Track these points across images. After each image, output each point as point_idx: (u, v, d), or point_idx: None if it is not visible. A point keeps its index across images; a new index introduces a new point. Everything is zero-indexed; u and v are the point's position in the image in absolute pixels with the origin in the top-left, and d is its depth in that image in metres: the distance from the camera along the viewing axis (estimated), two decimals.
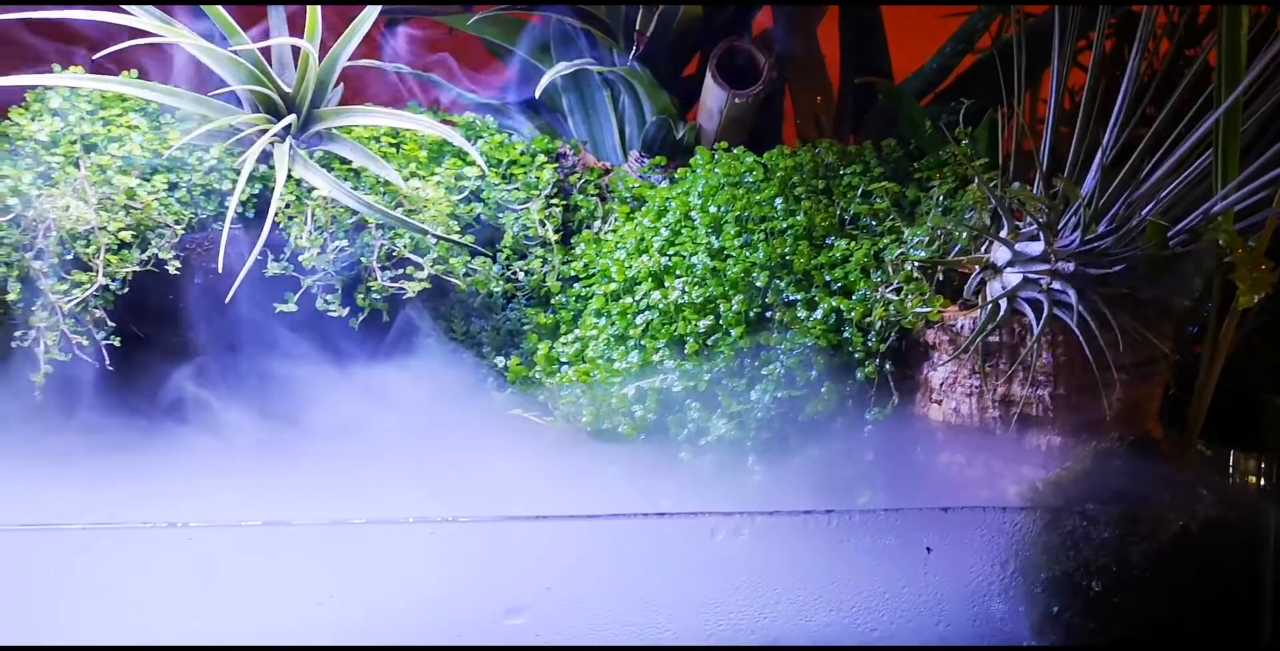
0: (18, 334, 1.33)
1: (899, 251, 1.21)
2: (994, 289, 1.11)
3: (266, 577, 0.90)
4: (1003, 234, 1.10)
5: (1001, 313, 1.08)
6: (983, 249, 1.14)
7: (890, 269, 1.19)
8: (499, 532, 0.95)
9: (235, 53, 1.39)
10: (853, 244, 1.27)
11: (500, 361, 1.46)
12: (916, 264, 1.17)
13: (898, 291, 1.18)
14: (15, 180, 1.36)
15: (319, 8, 1.37)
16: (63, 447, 1.33)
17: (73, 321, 1.34)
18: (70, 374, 1.35)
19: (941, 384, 1.16)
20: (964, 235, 1.16)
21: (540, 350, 1.42)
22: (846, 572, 0.98)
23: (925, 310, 1.14)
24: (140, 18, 1.36)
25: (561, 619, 0.93)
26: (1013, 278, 1.08)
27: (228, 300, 1.34)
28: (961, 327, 1.14)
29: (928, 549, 0.98)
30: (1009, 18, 1.53)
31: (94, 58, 1.28)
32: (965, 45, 1.57)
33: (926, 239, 1.20)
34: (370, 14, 1.40)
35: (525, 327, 1.49)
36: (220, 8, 1.37)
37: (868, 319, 1.20)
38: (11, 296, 1.34)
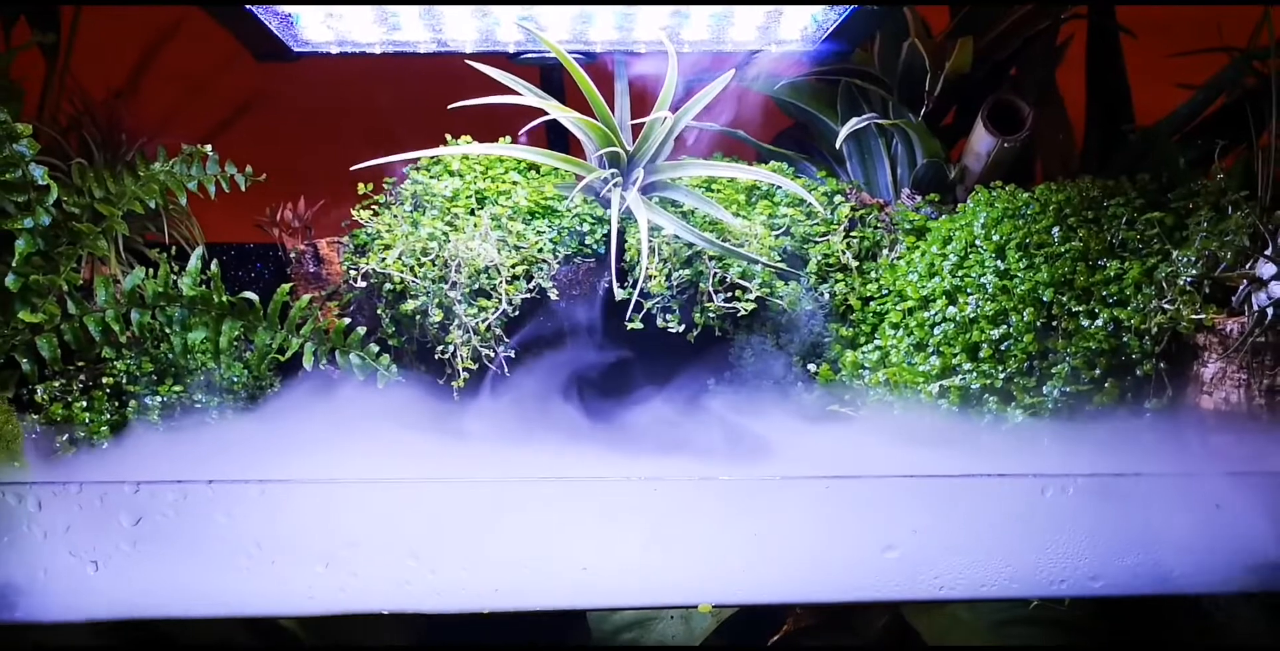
0: (438, 348, 1.71)
1: (1169, 270, 1.46)
2: (1259, 298, 1.34)
3: (711, 521, 1.22)
4: (1267, 252, 1.33)
5: (1269, 318, 1.31)
6: (1248, 266, 1.38)
7: (1164, 284, 1.44)
8: (872, 487, 1.24)
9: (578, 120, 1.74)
10: (1125, 264, 1.52)
11: (810, 367, 1.76)
12: (1189, 279, 1.42)
13: (1171, 302, 1.43)
14: (432, 228, 1.74)
15: (675, 82, 1.70)
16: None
17: (478, 338, 1.70)
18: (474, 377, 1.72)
19: (1212, 378, 1.40)
20: (1229, 255, 1.40)
21: (848, 357, 1.71)
22: (1150, 523, 1.23)
23: (1200, 317, 1.38)
24: (528, 97, 1.72)
25: (927, 555, 1.21)
26: (1277, 289, 1.32)
27: (629, 325, 1.70)
28: (1230, 331, 1.37)
29: (1216, 505, 1.22)
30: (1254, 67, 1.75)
31: (520, 132, 1.64)
32: (1216, 93, 1.80)
33: (1194, 258, 1.44)
34: (719, 85, 1.73)
35: (826, 339, 1.79)
36: (592, 85, 1.72)
37: (1144, 325, 1.44)
38: (434, 319, 1.71)
